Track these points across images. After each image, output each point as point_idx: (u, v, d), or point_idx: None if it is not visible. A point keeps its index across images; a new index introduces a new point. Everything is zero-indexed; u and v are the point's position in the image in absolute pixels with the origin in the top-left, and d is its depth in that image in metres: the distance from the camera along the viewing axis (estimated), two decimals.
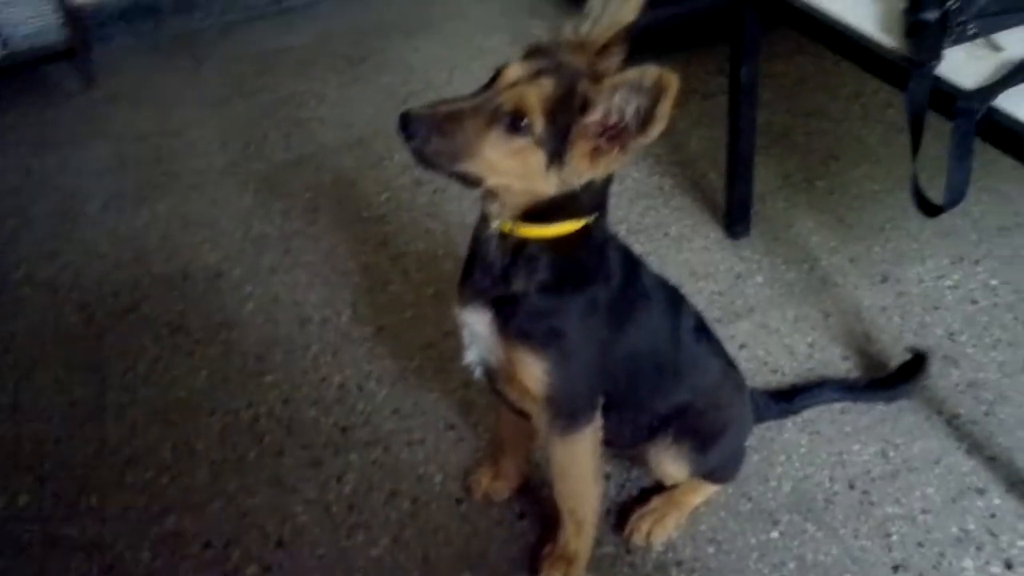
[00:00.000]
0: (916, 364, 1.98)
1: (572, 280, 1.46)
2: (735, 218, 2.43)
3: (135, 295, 2.53)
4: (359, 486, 1.98)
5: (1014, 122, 1.53)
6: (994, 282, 2.23)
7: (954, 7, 1.70)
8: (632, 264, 1.58)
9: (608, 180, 1.40)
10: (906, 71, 1.68)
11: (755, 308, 2.26)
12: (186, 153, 3.11)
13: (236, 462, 2.06)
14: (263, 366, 2.29)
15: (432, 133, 1.26)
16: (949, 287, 2.24)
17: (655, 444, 1.69)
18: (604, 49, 1.37)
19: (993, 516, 1.77)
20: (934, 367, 2.01)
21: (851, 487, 1.85)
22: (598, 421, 1.59)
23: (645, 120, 1.24)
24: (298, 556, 1.85)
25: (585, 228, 1.42)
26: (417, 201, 2.76)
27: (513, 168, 1.32)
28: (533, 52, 1.36)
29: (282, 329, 2.39)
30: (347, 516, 1.92)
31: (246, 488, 2.00)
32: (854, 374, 2.08)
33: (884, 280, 2.29)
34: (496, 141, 1.29)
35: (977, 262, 2.29)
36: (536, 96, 1.27)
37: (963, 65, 1.68)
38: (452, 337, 2.28)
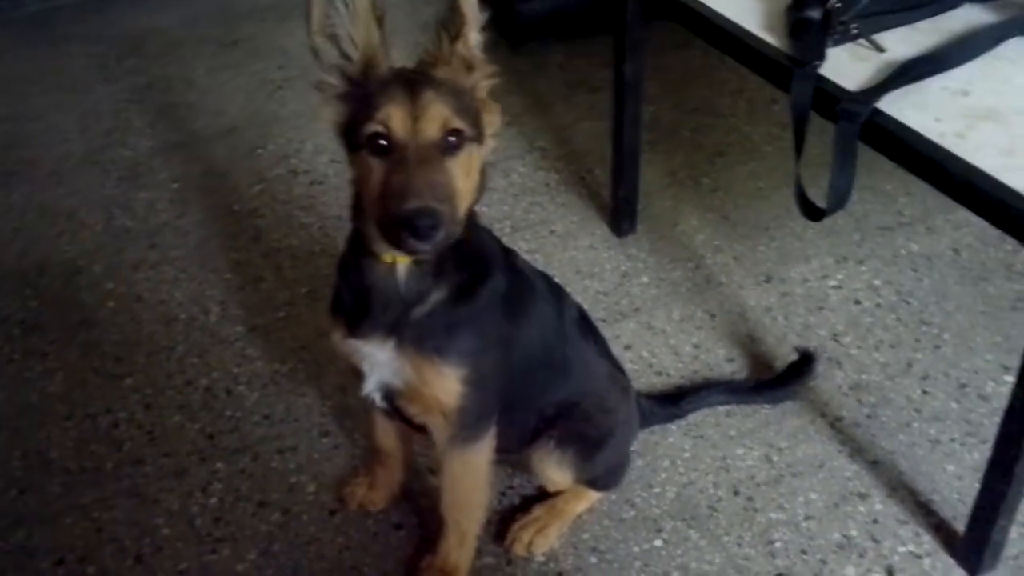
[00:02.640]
0: (803, 364, 1.97)
1: (473, 279, 1.40)
2: (621, 215, 2.38)
3: None
4: (226, 497, 1.85)
5: (897, 126, 1.51)
6: (877, 282, 2.24)
7: (836, 6, 1.68)
8: (507, 252, 1.53)
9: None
10: (789, 71, 1.65)
11: (640, 308, 2.22)
12: (44, 139, 2.89)
13: (92, 472, 1.91)
14: (124, 368, 2.13)
15: (440, 209, 1.19)
16: (833, 287, 2.24)
17: (539, 448, 1.62)
18: (383, 43, 1.28)
19: (875, 522, 1.76)
20: (819, 369, 1.99)
21: (735, 493, 1.82)
22: (494, 428, 1.52)
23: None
24: (158, 572, 1.72)
25: (470, 215, 1.36)
26: (292, 193, 2.63)
27: (472, 180, 1.29)
28: (394, 83, 1.25)
29: (145, 329, 2.23)
30: (212, 529, 1.79)
31: (103, 500, 1.85)
32: (739, 376, 2.06)
33: (768, 280, 2.27)
34: (456, 168, 1.24)
35: (860, 262, 2.30)
36: (442, 106, 1.22)
37: (846, 66, 1.66)
38: (325, 339, 2.16)
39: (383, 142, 1.22)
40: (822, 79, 1.62)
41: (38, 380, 2.11)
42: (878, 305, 2.19)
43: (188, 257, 2.43)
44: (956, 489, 1.81)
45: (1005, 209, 1.36)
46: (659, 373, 2.06)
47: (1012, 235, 1.39)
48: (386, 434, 1.73)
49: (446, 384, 1.40)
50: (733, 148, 2.69)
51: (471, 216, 1.36)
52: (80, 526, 1.80)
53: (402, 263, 1.34)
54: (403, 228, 1.17)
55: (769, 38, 1.75)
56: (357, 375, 1.50)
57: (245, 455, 1.93)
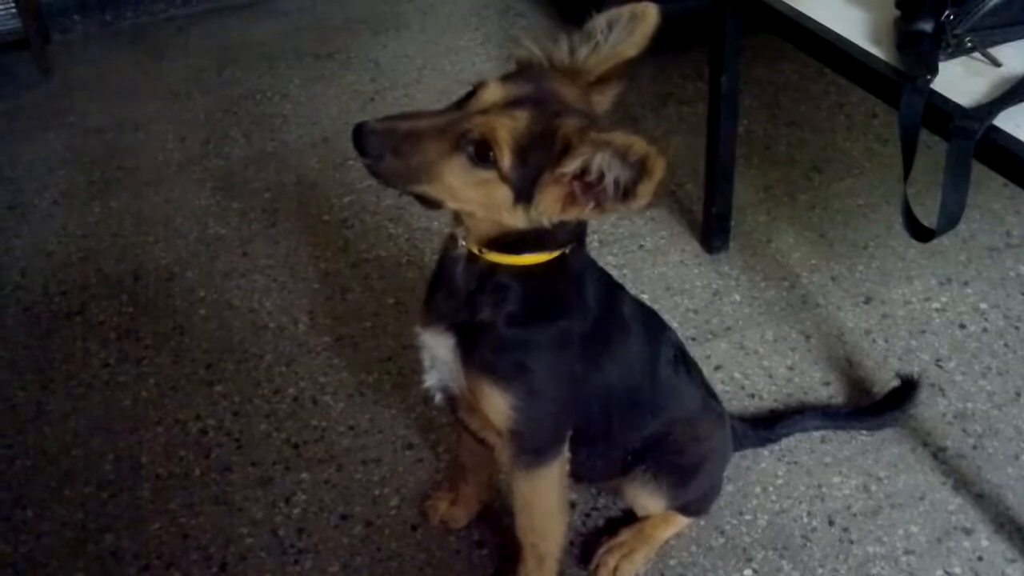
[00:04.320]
0: (904, 391, 1.88)
1: (543, 313, 1.35)
2: (713, 232, 2.32)
3: (83, 296, 2.39)
4: (309, 507, 1.85)
5: (1015, 143, 1.44)
6: (983, 306, 2.14)
7: (950, 18, 1.61)
8: (611, 294, 1.47)
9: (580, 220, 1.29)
10: (898, 86, 1.58)
11: (732, 327, 2.16)
12: (143, 148, 2.96)
13: (181, 478, 1.93)
14: (214, 375, 2.16)
15: (388, 151, 1.16)
16: (936, 310, 2.15)
17: (630, 478, 1.58)
18: (599, 81, 1.25)
19: (980, 559, 1.67)
20: (921, 395, 1.90)
21: (830, 523, 1.75)
22: (565, 455, 1.48)
23: (625, 193, 1.12)
24: None
25: (560, 257, 1.32)
26: (381, 205, 2.64)
27: (476, 198, 1.22)
28: (517, 72, 1.24)
29: (235, 336, 2.26)
30: (295, 540, 1.80)
31: (190, 506, 1.87)
32: (835, 400, 1.98)
33: (868, 301, 2.19)
34: (458, 169, 1.18)
35: (966, 284, 2.20)
36: (508, 129, 1.16)
37: (959, 80, 1.58)
38: (413, 350, 2.16)
39: (468, 95, 1.20)
40: (933, 94, 1.55)
41: (132, 385, 2.15)
42: (984, 330, 2.09)
43: (278, 266, 2.46)
44: None
45: None
46: (752, 395, 2.00)
47: None
48: (469, 449, 1.71)
49: (491, 403, 1.36)
50: (831, 164, 2.61)
51: (561, 264, 1.30)
52: (167, 532, 1.83)
53: (463, 245, 1.31)
54: (356, 127, 1.16)
55: (876, 51, 1.68)
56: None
57: (330, 466, 1.93)
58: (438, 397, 1.48)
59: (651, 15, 1.24)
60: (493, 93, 1.18)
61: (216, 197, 2.72)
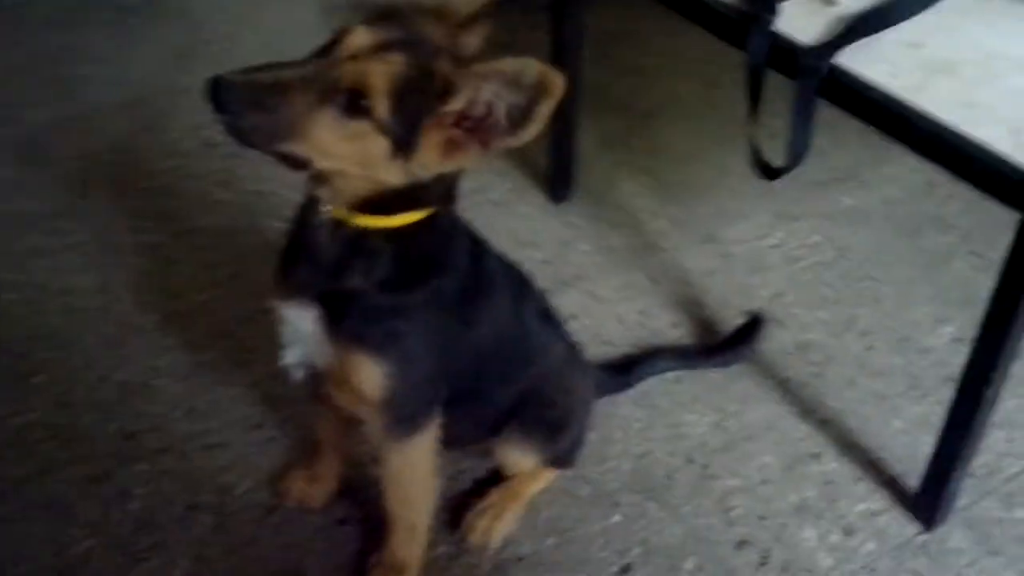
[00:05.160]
0: (751, 328, 1.93)
1: (416, 275, 1.28)
2: (558, 182, 2.30)
3: None
4: (151, 501, 1.72)
5: (857, 81, 1.46)
6: (815, 238, 2.22)
7: None
8: (476, 248, 1.41)
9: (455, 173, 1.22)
10: (742, 26, 1.58)
11: (583, 276, 2.15)
12: None
13: (1, 482, 1.75)
14: (30, 365, 1.96)
15: (248, 107, 1.04)
16: (772, 246, 2.21)
17: (502, 438, 1.55)
18: (468, 21, 1.18)
19: (830, 482, 1.74)
20: (766, 332, 1.96)
21: (690, 461, 1.78)
22: (437, 420, 1.42)
23: (518, 121, 1.07)
24: None
25: (431, 216, 1.25)
26: (208, 168, 2.46)
27: (349, 154, 1.12)
28: (382, 16, 1.14)
29: (51, 321, 2.06)
30: (138, 537, 1.66)
31: (15, 513, 1.69)
32: (686, 341, 2.01)
33: (709, 241, 2.23)
34: (329, 122, 1.08)
35: (797, 219, 2.27)
36: (382, 74, 1.07)
37: (797, 20, 1.59)
38: (252, 323, 2.04)
39: (329, 44, 1.11)
40: (776, 35, 1.56)
41: None
42: (817, 262, 2.17)
43: (93, 242, 2.25)
44: (904, 444, 1.80)
45: (969, 161, 1.32)
46: (606, 343, 2.00)
47: (976, 186, 1.35)
48: (328, 423, 1.63)
49: (366, 375, 1.29)
50: (666, 110, 2.63)
51: (435, 221, 1.24)
52: None
53: (328, 209, 1.21)
54: (210, 80, 1.04)
55: None
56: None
57: (169, 454, 1.80)
58: (299, 373, 1.38)
59: None
60: (360, 38, 1.09)
61: (16, 169, 2.47)
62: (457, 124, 1.12)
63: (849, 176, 2.36)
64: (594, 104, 2.63)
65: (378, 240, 1.23)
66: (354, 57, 1.08)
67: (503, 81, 1.06)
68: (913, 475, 1.70)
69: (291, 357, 1.37)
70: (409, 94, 1.09)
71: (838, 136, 2.43)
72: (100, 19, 3.05)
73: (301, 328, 1.31)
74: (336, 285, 1.26)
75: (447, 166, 1.15)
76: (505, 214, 2.30)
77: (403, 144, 1.11)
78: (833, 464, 1.77)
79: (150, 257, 2.21)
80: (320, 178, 1.18)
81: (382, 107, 1.08)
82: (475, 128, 1.11)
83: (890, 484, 1.73)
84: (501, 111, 1.08)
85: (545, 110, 1.06)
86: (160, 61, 2.87)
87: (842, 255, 2.18)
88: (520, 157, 2.45)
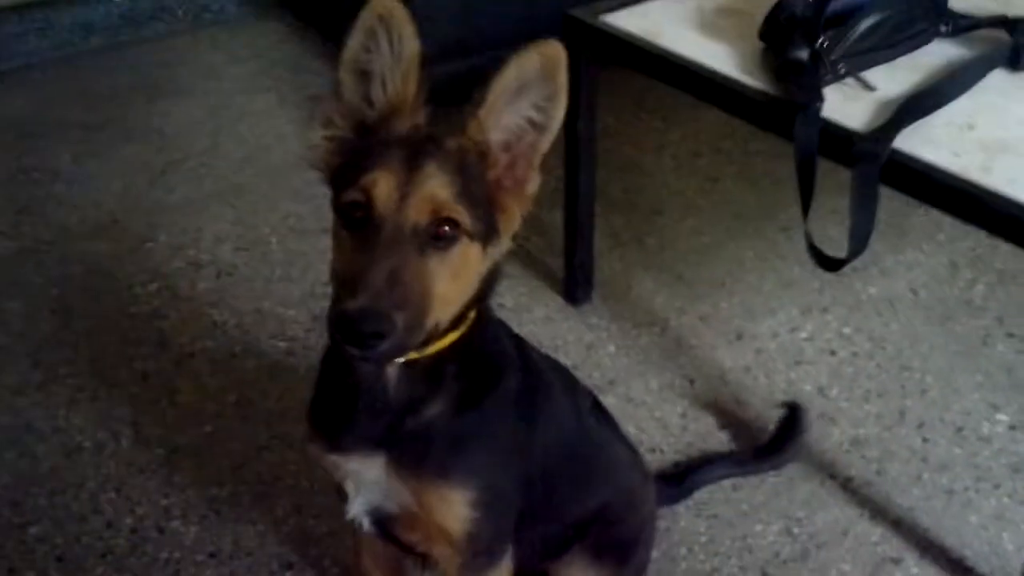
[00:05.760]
0: (793, 418, 1.83)
1: (484, 383, 1.17)
2: (576, 283, 2.22)
3: None
4: None
5: (921, 164, 1.43)
6: (847, 330, 2.16)
7: (824, 45, 1.60)
8: (520, 343, 1.31)
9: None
10: (788, 115, 1.54)
11: (615, 380, 2.04)
12: None
13: None
14: (23, 515, 1.77)
15: (393, 315, 0.94)
16: (805, 339, 2.14)
17: (568, 562, 1.41)
18: (419, 97, 1.08)
19: None
20: (813, 427, 1.87)
21: (764, 575, 1.66)
22: (510, 549, 1.28)
23: (548, 109, 1.05)
24: None
25: (480, 311, 1.15)
26: (197, 289, 2.32)
27: (461, 284, 1.04)
28: (369, 149, 1.04)
29: (43, 464, 1.87)
30: None
31: None
32: (734, 443, 1.91)
33: (739, 337, 2.15)
34: (438, 268, 1.00)
35: (825, 310, 2.22)
36: (440, 187, 1.00)
37: (840, 107, 1.57)
38: (267, 452, 1.89)
39: (361, 214, 1.00)
40: (826, 122, 1.52)
41: None
42: (854, 354, 2.10)
43: (83, 373, 2.08)
44: (986, 540, 1.71)
45: None
46: (652, 450, 1.88)
47: None
48: (377, 559, 1.47)
49: (452, 510, 1.16)
50: (669, 205, 2.58)
51: (481, 313, 1.15)
52: None
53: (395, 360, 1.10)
54: (339, 329, 0.94)
55: (753, 82, 1.65)
56: (342, 495, 1.25)
57: None
58: (366, 523, 1.24)
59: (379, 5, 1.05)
60: (386, 180, 0.99)
61: None
62: (506, 167, 1.07)
63: (869, 264, 2.32)
64: (597, 202, 2.59)
65: (447, 361, 1.12)
66: (404, 197, 0.99)
67: (512, 93, 1.03)
68: (1001, 573, 1.60)
69: (358, 508, 1.23)
70: (467, 185, 1.02)
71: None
72: (65, 138, 2.93)
73: (368, 478, 1.18)
74: (410, 423, 1.14)
75: (520, 213, 1.09)
76: (524, 320, 2.19)
77: (489, 232, 1.05)
78: (915, 569, 1.66)
79: (147, 387, 2.05)
80: None
81: (464, 217, 1.01)
82: (518, 153, 1.07)
83: None
84: (530, 115, 1.05)
85: (562, 81, 1.03)
86: (133, 180, 2.74)
87: (878, 346, 2.11)
88: (531, 260, 2.37)
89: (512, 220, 1.08)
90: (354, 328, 0.92)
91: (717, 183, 2.65)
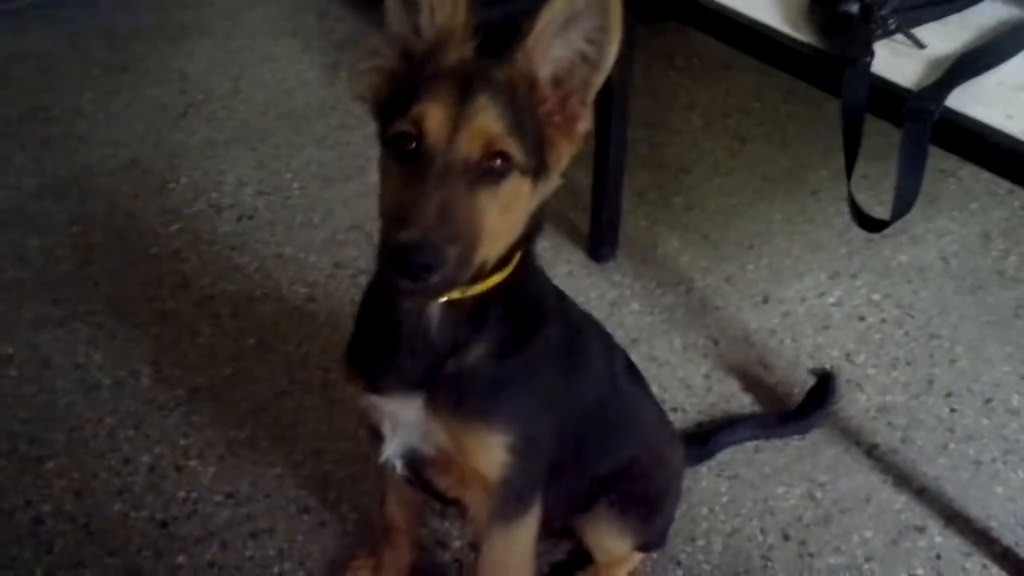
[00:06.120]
0: (823, 386, 1.81)
1: (526, 328, 1.14)
2: (600, 240, 2.18)
3: None
4: None
5: (975, 124, 1.38)
6: (876, 296, 2.13)
7: (875, 0, 1.55)
8: (560, 293, 1.28)
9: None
10: (837, 70, 1.49)
11: (639, 338, 2.02)
12: None
13: None
14: (42, 450, 1.77)
15: (445, 247, 0.91)
16: (833, 304, 2.11)
17: (596, 516, 1.39)
18: (469, 27, 1.05)
19: (939, 557, 1.61)
20: (841, 392, 1.84)
21: (786, 538, 1.64)
22: (540, 498, 1.27)
23: (600, 40, 1.00)
24: None
25: (525, 255, 1.12)
26: (218, 232, 2.30)
27: (510, 219, 1.02)
28: (421, 78, 1.01)
29: (62, 400, 1.86)
30: None
31: None
32: (758, 406, 1.88)
33: (766, 300, 2.12)
34: (488, 202, 0.97)
35: (854, 276, 2.18)
36: (492, 120, 0.97)
37: (888, 63, 1.52)
38: (287, 397, 1.88)
39: (412, 146, 0.98)
40: (875, 77, 1.48)
41: None
42: (883, 320, 2.07)
43: (103, 311, 2.07)
44: (1012, 512, 1.69)
45: None
46: (675, 409, 1.86)
47: None
48: (401, 504, 1.46)
49: (490, 453, 1.15)
50: (697, 165, 2.54)
51: (526, 257, 1.12)
52: None
53: (435, 301, 1.08)
54: (391, 260, 0.92)
55: (799, 35, 1.60)
56: (377, 436, 1.23)
57: (211, 544, 1.61)
58: (399, 466, 1.22)
59: None
60: (438, 111, 0.97)
61: (8, 235, 2.27)
62: (557, 102, 1.03)
63: (899, 231, 2.28)
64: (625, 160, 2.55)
65: (491, 303, 1.10)
66: (456, 130, 0.96)
67: (561, 25, 0.99)
68: None
69: (393, 450, 1.21)
70: (519, 118, 0.99)
71: (881, 191, 2.37)
72: (88, 77, 2.89)
73: (405, 418, 1.16)
74: (452, 365, 1.11)
75: (571, 151, 1.06)
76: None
77: (539, 168, 1.02)
78: (939, 537, 1.64)
79: (167, 327, 2.03)
80: None
81: (516, 150, 0.98)
82: (570, 88, 1.03)
83: (1004, 557, 1.61)
84: (581, 48, 1.01)
85: (617, 11, 0.99)
86: (155, 121, 2.71)
87: (907, 313, 2.08)
88: (555, 215, 2.34)
89: (562, 157, 1.05)
90: (406, 260, 0.90)
91: (746, 144, 2.60)
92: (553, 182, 1.05)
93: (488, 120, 0.97)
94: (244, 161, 2.52)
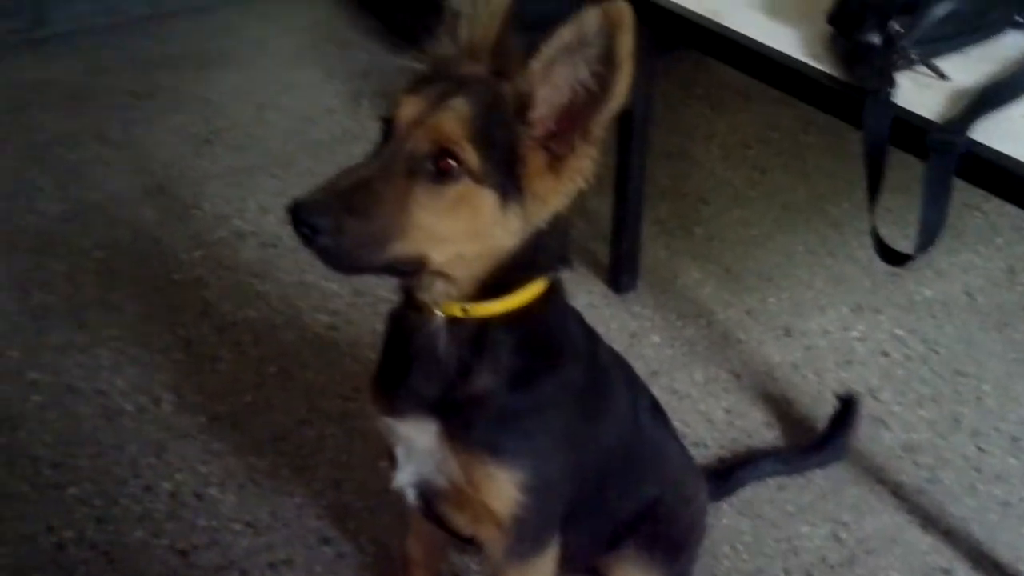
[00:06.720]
0: (847, 412, 1.79)
1: (543, 363, 1.13)
2: (621, 270, 2.18)
3: None
4: None
5: (1003, 158, 1.37)
6: (900, 331, 2.11)
7: (898, 30, 1.55)
8: (589, 332, 1.27)
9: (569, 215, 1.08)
10: (858, 101, 1.49)
11: (659, 371, 2.01)
12: None
13: None
14: (63, 476, 1.77)
15: (342, 217, 0.92)
16: (856, 339, 2.09)
17: (618, 556, 1.38)
18: (498, 45, 1.06)
19: None
20: (864, 430, 1.83)
21: None
22: (558, 538, 1.26)
23: (607, 77, 0.96)
24: None
25: (549, 288, 1.11)
26: (241, 258, 2.31)
27: (459, 226, 0.99)
28: (420, 81, 1.04)
29: (84, 425, 1.87)
30: None
31: None
32: (780, 441, 1.87)
33: (788, 333, 2.11)
34: (427, 199, 0.97)
35: (877, 311, 2.17)
36: (453, 120, 0.97)
37: (911, 95, 1.51)
38: (307, 426, 1.88)
39: (385, 130, 1.01)
40: (898, 108, 1.47)
41: None
42: (907, 356, 2.05)
43: (126, 337, 2.08)
44: None
45: None
46: (696, 444, 1.85)
47: None
48: (422, 539, 1.45)
49: (500, 490, 1.14)
50: (716, 195, 2.54)
51: (550, 294, 1.12)
52: None
53: (440, 314, 1.08)
54: (288, 211, 0.93)
55: (820, 66, 1.59)
56: (392, 462, 1.23)
57: (230, 573, 1.62)
58: (411, 494, 1.22)
59: None
60: (412, 105, 0.99)
61: (34, 260, 2.29)
62: (551, 135, 1.00)
63: (924, 265, 2.26)
64: (645, 190, 2.55)
65: (499, 330, 1.09)
66: (418, 122, 0.98)
67: (568, 50, 0.96)
68: None
69: (405, 478, 1.21)
70: (490, 129, 0.98)
71: (904, 224, 2.36)
72: (111, 103, 2.92)
73: (419, 445, 1.16)
74: (460, 391, 1.11)
75: (565, 188, 1.02)
76: None
77: (508, 187, 0.99)
78: None
79: (190, 354, 2.04)
80: (431, 275, 1.04)
81: (470, 155, 0.97)
82: (571, 120, 0.99)
83: None
84: (586, 79, 0.97)
85: (626, 45, 0.94)
86: (180, 147, 2.73)
87: (932, 349, 2.06)
88: (575, 246, 2.33)
89: (547, 190, 1.01)
90: (295, 214, 0.92)
91: (766, 174, 2.60)
92: (539, 212, 1.02)
93: (449, 120, 0.97)
94: (267, 188, 2.53)
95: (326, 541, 1.67)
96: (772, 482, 1.77)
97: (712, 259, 2.32)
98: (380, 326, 1.23)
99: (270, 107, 2.91)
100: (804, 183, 2.57)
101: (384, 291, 2.14)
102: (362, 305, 2.15)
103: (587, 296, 2.20)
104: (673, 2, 1.80)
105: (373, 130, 1.05)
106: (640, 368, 1.98)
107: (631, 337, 2.10)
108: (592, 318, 2.09)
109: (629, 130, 1.99)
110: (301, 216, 0.92)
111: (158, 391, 1.95)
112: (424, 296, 1.07)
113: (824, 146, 2.69)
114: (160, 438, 1.85)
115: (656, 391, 1.91)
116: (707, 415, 1.92)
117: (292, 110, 2.88)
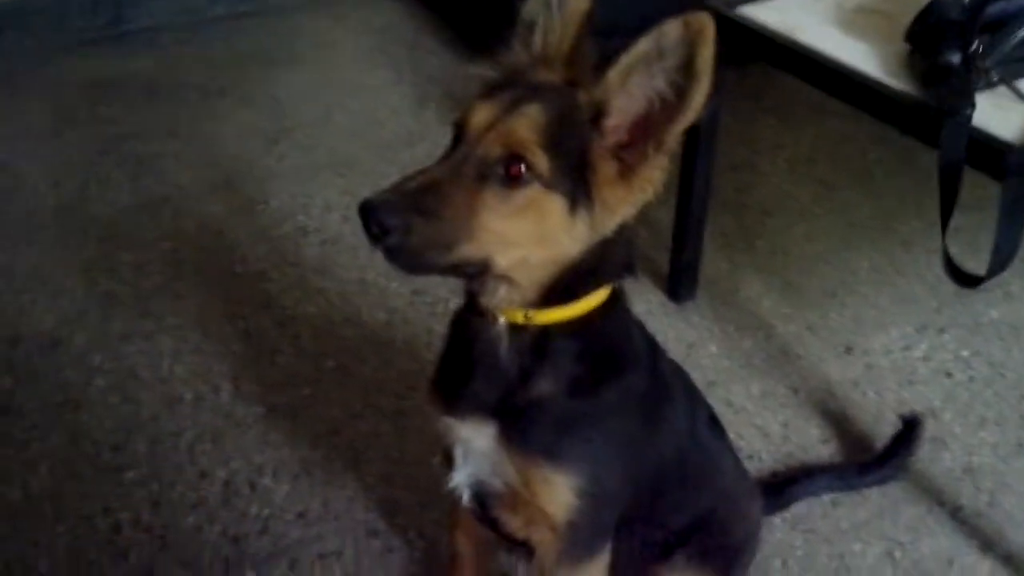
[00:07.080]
0: (909, 432, 1.75)
1: (605, 372, 1.13)
2: (680, 280, 2.17)
3: None
4: None
5: None
6: (965, 353, 2.06)
7: (979, 50, 1.52)
8: (651, 341, 1.27)
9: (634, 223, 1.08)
10: (936, 121, 1.46)
11: (715, 382, 1.99)
12: (10, 193, 2.55)
13: None
14: (122, 459, 1.81)
15: (411, 218, 0.94)
16: (919, 359, 2.05)
17: (672, 566, 1.36)
18: (573, 54, 1.07)
19: None
20: (924, 450, 1.79)
21: None
22: (609, 545, 1.25)
23: (684, 85, 0.95)
24: None
25: (612, 296, 1.11)
26: (303, 255, 2.34)
27: (526, 230, 1.00)
28: (494, 87, 1.05)
29: (145, 411, 1.91)
30: None
31: None
32: (837, 459, 1.83)
33: (849, 351, 2.07)
34: (495, 202, 0.98)
35: (942, 331, 2.12)
36: (526, 127, 0.97)
37: (990, 116, 1.48)
38: (361, 421, 1.89)
39: (456, 135, 1.02)
40: (976, 130, 1.44)
41: (18, 474, 1.78)
42: (971, 378, 2.00)
43: (188, 326, 2.12)
44: None
45: None
46: (750, 456, 1.83)
47: None
48: (469, 538, 1.45)
49: (556, 494, 1.14)
50: (781, 208, 2.51)
51: (613, 303, 1.12)
52: None
53: (503, 319, 1.09)
54: (359, 210, 0.95)
55: (897, 84, 1.57)
56: (450, 463, 1.24)
57: (280, 561, 1.63)
58: (466, 495, 1.22)
59: None
60: (484, 111, 1.00)
61: (103, 249, 2.36)
62: (623, 144, 1.01)
63: (994, 286, 2.19)
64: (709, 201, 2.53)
65: (561, 337, 1.09)
66: (489, 127, 0.98)
67: (646, 62, 0.96)
68: None
69: (462, 478, 1.21)
70: (562, 136, 0.99)
71: (976, 245, 2.31)
72: (183, 99, 2.99)
73: (477, 447, 1.16)
74: (520, 396, 1.12)
75: (635, 198, 1.02)
76: None
77: (578, 194, 1.00)
78: None
79: (249, 345, 2.07)
80: (495, 280, 1.05)
81: (541, 161, 0.97)
82: (644, 130, 0.99)
83: None
84: (663, 89, 0.97)
85: (707, 57, 0.94)
86: (247, 144, 2.78)
87: (997, 372, 2.01)
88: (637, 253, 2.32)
89: (616, 199, 1.01)
90: (365, 213, 0.93)
91: (833, 190, 2.56)
92: (608, 220, 1.02)
93: (521, 125, 0.98)
94: (332, 187, 2.57)
95: (375, 534, 1.68)
96: (827, 498, 1.74)
97: (774, 272, 2.29)
98: (437, 326, 1.24)
99: (337, 107, 2.95)
100: (872, 199, 2.53)
101: (443, 291, 2.16)
102: (420, 304, 2.16)
103: (646, 304, 2.19)
104: (748, 17, 1.79)
105: (438, 133, 1.07)
106: (696, 378, 1.95)
107: (688, 347, 2.08)
108: (649, 326, 2.08)
109: (695, 140, 1.98)
110: (372, 215, 0.93)
111: (217, 380, 1.98)
112: (487, 301, 1.08)
113: (893, 162, 2.65)
114: (217, 426, 1.88)
115: (711, 402, 1.91)
116: (763, 429, 1.89)
117: (359, 111, 2.92)
